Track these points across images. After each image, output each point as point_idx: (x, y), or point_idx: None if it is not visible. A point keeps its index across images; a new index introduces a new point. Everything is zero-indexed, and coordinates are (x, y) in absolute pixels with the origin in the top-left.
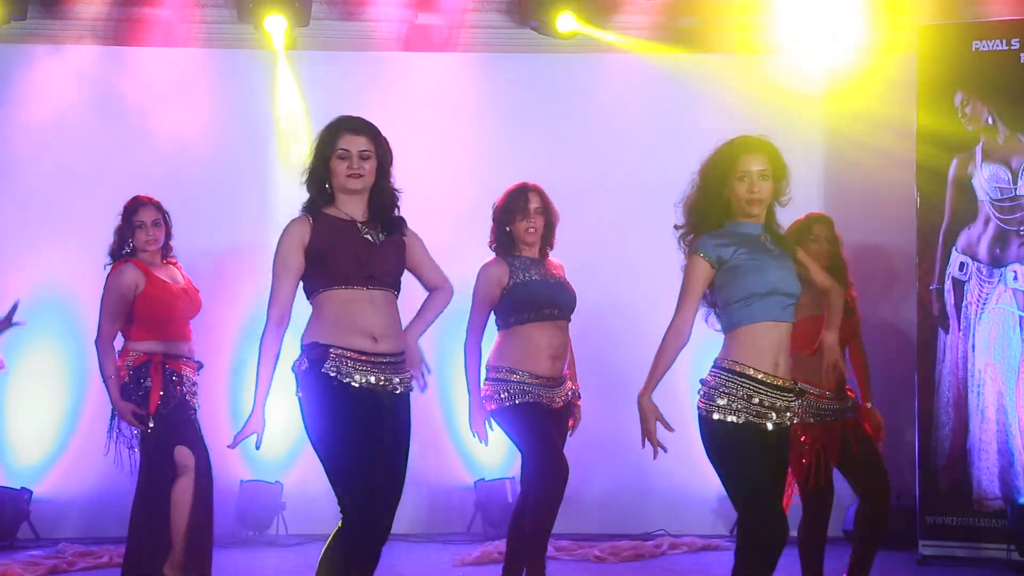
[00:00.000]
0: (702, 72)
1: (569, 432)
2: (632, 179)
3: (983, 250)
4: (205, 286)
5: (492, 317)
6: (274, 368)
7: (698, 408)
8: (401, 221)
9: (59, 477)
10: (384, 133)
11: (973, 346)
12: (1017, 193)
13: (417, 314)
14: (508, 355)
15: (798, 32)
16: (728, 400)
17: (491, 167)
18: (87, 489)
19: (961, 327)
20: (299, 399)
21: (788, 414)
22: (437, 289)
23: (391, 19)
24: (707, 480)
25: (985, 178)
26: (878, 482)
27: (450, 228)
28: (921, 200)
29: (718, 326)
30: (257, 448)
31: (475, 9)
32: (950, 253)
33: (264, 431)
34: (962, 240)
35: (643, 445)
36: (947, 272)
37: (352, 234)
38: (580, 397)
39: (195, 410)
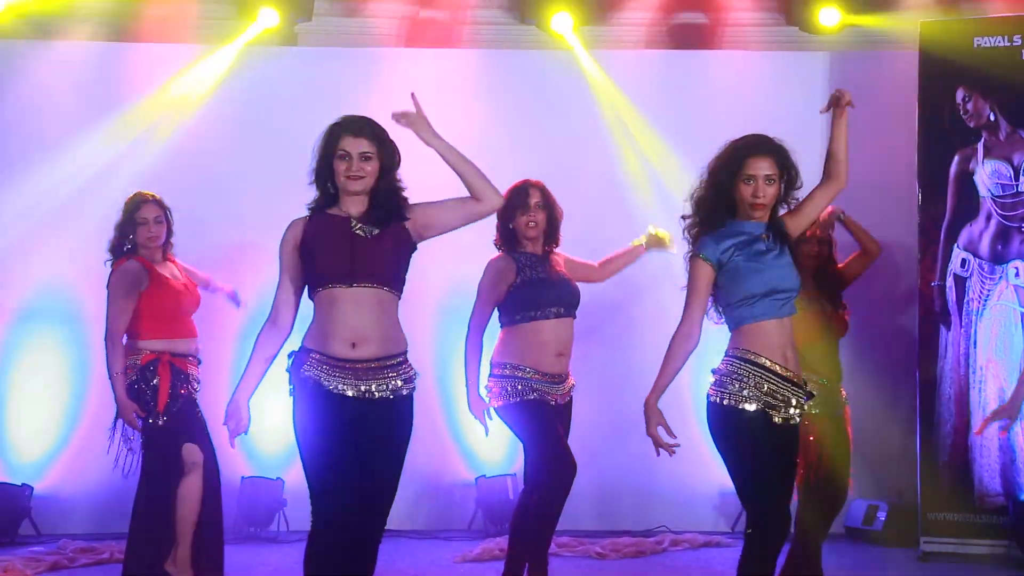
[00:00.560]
0: (703, 68)
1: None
2: (635, 175)
3: (985, 246)
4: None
5: (495, 314)
6: (267, 366)
7: (708, 397)
8: (401, 207)
9: (60, 473)
10: (389, 132)
11: (975, 343)
12: (1019, 189)
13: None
14: (513, 352)
15: (799, 28)
16: (740, 386)
17: (493, 163)
18: (88, 485)
19: (963, 324)
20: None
21: (798, 411)
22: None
23: (392, 15)
24: (709, 476)
25: (987, 174)
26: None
27: None
28: (923, 196)
29: (721, 321)
30: (238, 435)
31: (477, 5)
32: (952, 249)
33: (246, 423)
34: (964, 236)
35: (658, 453)
36: (949, 269)
37: (341, 231)
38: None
39: (199, 407)
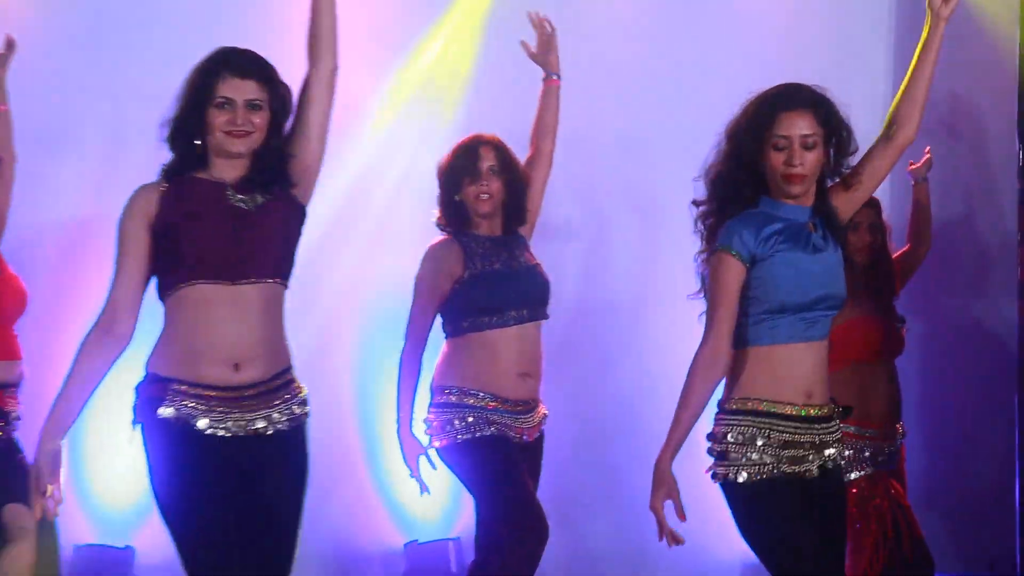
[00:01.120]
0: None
1: None
2: (640, 137)
3: None
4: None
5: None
6: (91, 389)
7: (713, 477)
8: (288, 169)
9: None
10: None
11: None
12: None
13: None
14: (462, 372)
15: None
16: (749, 451)
17: (472, 121)
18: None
19: None
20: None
21: (834, 450)
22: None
23: None
24: (729, 541)
25: None
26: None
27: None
28: None
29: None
30: (56, 501)
31: None
32: None
33: (56, 473)
34: None
35: (660, 537)
36: None
37: (215, 203)
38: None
39: (22, 451)
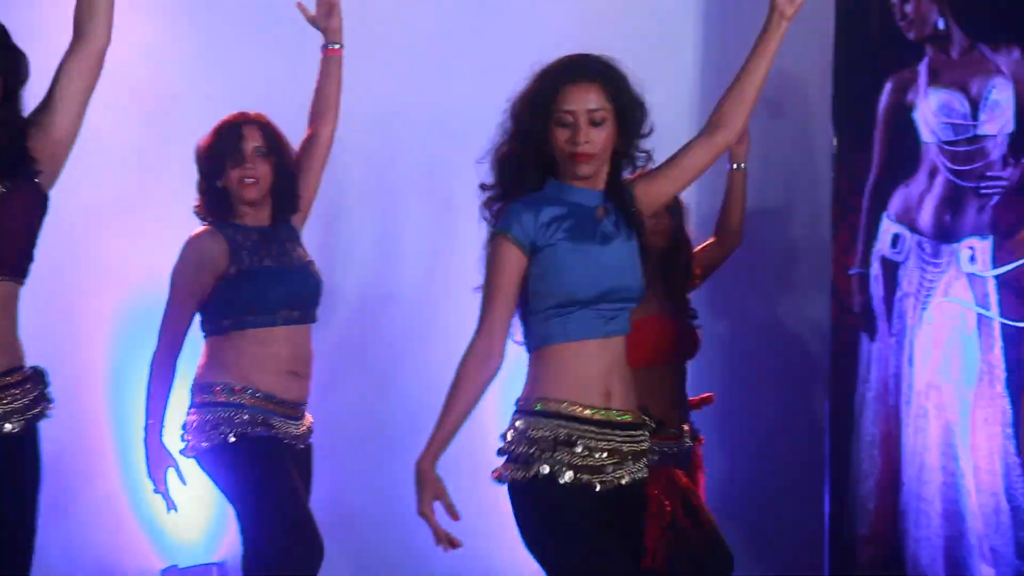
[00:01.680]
0: None
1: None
2: (435, 118)
3: (927, 217)
4: None
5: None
6: None
7: (501, 480)
8: (27, 149)
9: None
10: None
11: (911, 359)
12: (978, 132)
13: None
14: (231, 368)
15: None
16: (540, 452)
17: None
18: None
19: (893, 331)
20: None
21: (641, 463)
22: None
23: None
24: (525, 559)
25: (932, 110)
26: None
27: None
28: (839, 142)
29: (519, 338)
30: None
31: None
32: (879, 221)
33: None
34: (897, 202)
35: (438, 542)
36: (874, 250)
37: None
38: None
39: None
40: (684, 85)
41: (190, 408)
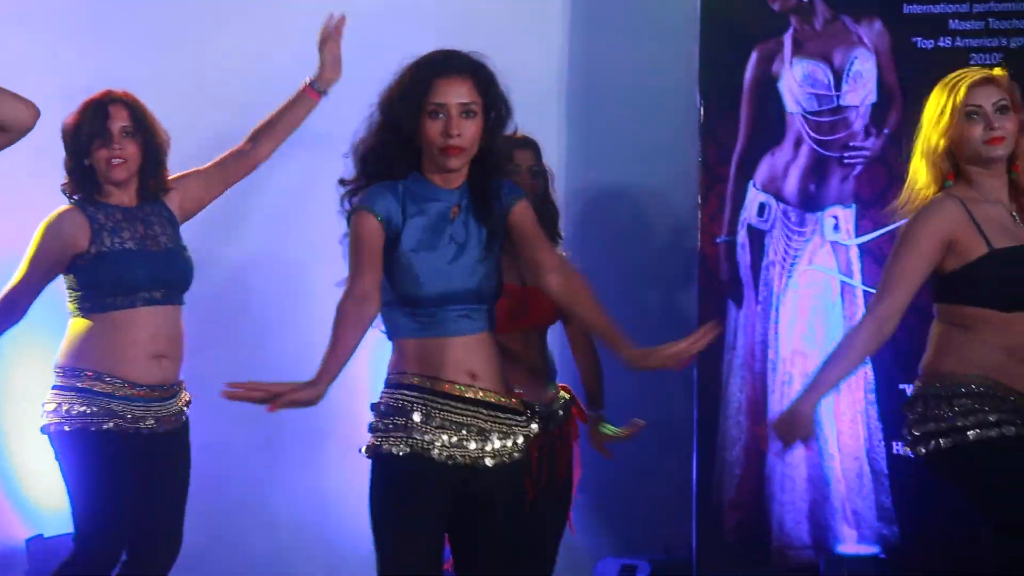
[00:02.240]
0: None
1: None
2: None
3: (792, 186)
4: None
5: None
6: None
7: (367, 451)
8: None
9: None
10: None
11: (776, 326)
12: (841, 103)
13: None
14: (87, 352)
15: None
16: (404, 427)
17: None
18: None
19: (760, 298)
20: None
21: (509, 442)
22: None
23: None
24: None
25: (797, 80)
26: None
27: None
28: (705, 111)
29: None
30: None
31: None
32: (746, 190)
33: None
34: (763, 171)
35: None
36: (741, 218)
37: None
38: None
39: None
40: (551, 82)
41: (53, 387)
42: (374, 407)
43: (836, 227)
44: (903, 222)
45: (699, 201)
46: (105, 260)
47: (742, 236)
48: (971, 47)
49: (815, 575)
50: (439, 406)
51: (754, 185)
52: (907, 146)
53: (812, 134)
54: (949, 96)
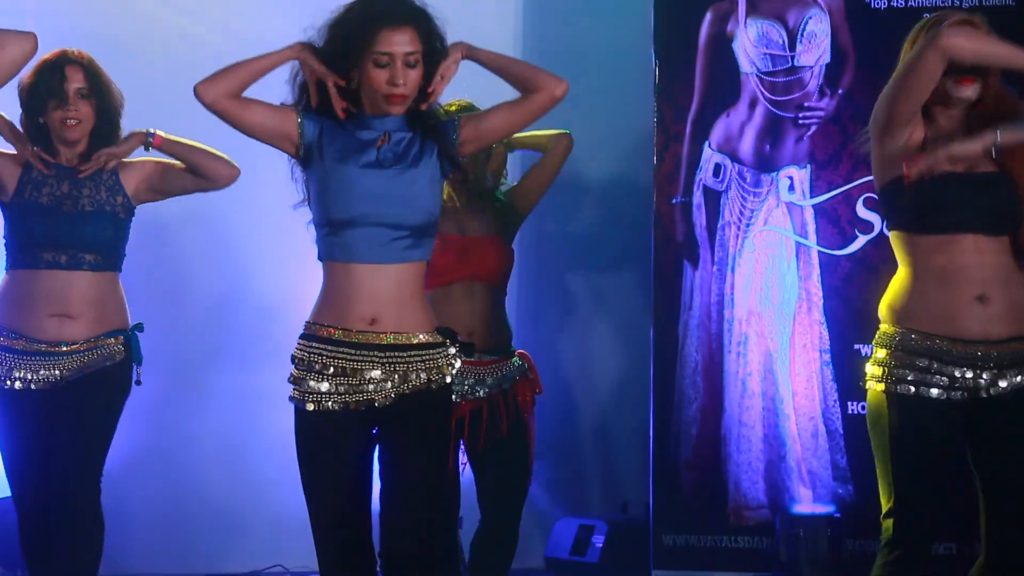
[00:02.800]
0: None
1: None
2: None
3: (747, 146)
4: None
5: None
6: None
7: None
8: None
9: None
10: None
11: (732, 286)
12: (796, 63)
13: None
14: (4, 310)
15: None
16: (309, 379)
17: None
18: None
19: (716, 259)
20: None
21: (416, 377)
22: None
23: None
24: None
25: (751, 40)
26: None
27: None
28: (660, 72)
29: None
30: None
31: None
32: (701, 151)
33: None
34: (719, 131)
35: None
36: (697, 179)
37: None
38: None
39: None
40: (507, 44)
41: None
42: (296, 356)
43: (791, 188)
44: (858, 182)
45: (655, 162)
46: (14, 211)
47: (698, 197)
48: (924, 6)
49: (771, 534)
50: (339, 356)
51: (709, 145)
52: (861, 106)
53: (767, 94)
54: (926, 36)
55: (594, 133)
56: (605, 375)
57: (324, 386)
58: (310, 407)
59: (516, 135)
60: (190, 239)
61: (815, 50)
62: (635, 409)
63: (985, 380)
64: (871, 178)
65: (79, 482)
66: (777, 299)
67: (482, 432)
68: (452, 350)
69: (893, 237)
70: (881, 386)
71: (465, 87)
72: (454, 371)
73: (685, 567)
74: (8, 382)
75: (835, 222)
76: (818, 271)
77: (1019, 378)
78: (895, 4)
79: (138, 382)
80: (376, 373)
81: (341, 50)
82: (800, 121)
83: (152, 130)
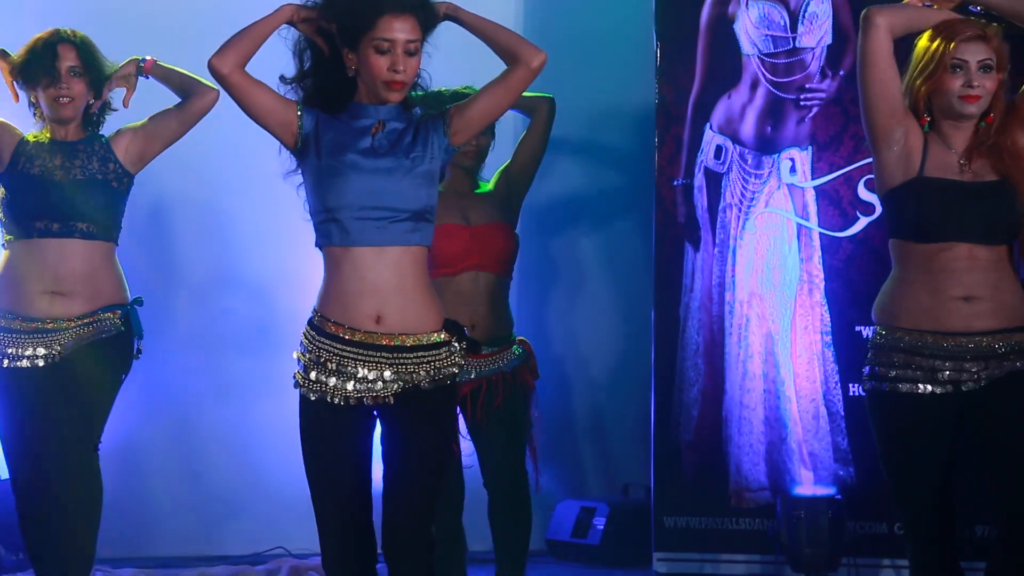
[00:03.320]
0: None
1: None
2: None
3: (749, 128)
4: None
5: None
6: None
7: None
8: None
9: None
10: None
11: (733, 268)
12: (798, 44)
13: None
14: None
15: None
16: (311, 372)
17: None
18: None
19: (717, 241)
20: None
21: (423, 372)
22: None
23: None
24: None
25: (752, 22)
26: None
27: None
28: (662, 53)
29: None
30: None
31: None
32: (702, 132)
33: None
34: (720, 113)
35: None
36: (698, 160)
37: None
38: None
39: None
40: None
41: None
42: (302, 345)
43: (792, 169)
44: (859, 163)
45: (656, 143)
46: (8, 183)
47: (699, 179)
48: None
49: (772, 516)
50: (346, 354)
51: (711, 127)
52: None
53: (768, 76)
54: (940, 44)
55: (595, 114)
56: (606, 357)
57: (332, 381)
58: (314, 397)
59: None
60: (186, 222)
61: (816, 31)
62: (636, 391)
63: (972, 371)
64: (872, 160)
65: (76, 450)
66: (778, 281)
67: (480, 405)
68: (459, 347)
69: (892, 244)
70: (867, 385)
71: (456, 65)
72: (460, 368)
73: (686, 549)
74: (5, 361)
75: (836, 204)
76: (819, 253)
77: (1008, 363)
78: None
79: (138, 352)
80: (387, 374)
81: (342, 39)
82: (801, 103)
83: (143, 56)
